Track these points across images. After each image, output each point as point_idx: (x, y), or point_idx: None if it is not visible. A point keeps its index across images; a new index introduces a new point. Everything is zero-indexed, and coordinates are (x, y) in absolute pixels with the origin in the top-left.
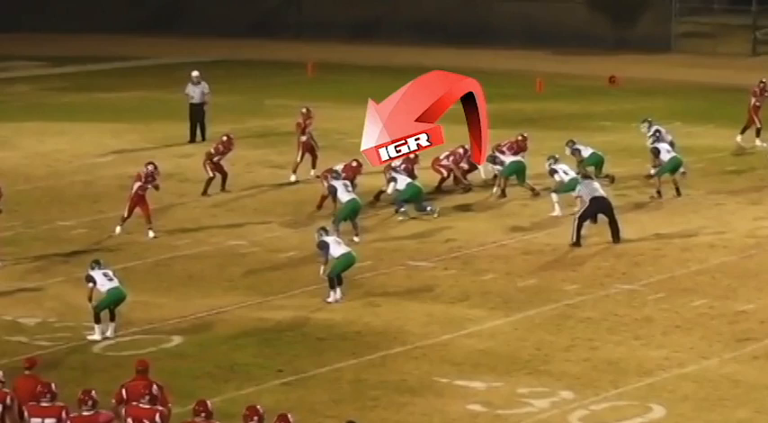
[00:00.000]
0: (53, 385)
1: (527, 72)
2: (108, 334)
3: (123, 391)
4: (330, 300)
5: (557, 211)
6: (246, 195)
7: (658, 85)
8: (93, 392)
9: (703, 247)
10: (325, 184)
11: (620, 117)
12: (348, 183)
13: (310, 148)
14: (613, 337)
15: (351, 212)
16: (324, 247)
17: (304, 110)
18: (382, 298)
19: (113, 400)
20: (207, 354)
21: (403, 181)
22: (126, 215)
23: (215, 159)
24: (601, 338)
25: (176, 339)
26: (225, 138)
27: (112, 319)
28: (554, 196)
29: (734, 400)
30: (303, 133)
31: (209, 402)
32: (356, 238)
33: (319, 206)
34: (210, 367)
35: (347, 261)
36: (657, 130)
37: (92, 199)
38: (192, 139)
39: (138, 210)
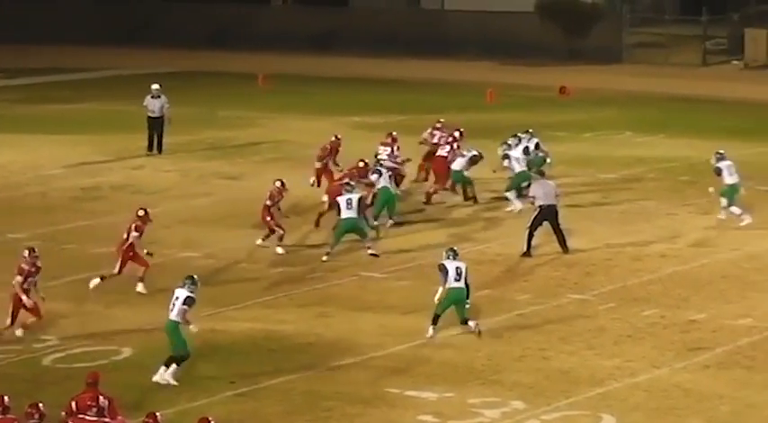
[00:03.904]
0: (6, 398)
1: (478, 83)
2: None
3: (73, 404)
4: (429, 335)
5: (515, 206)
6: (199, 207)
7: (610, 96)
8: (41, 405)
9: (655, 256)
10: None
11: (572, 127)
12: (350, 199)
13: (329, 173)
14: (565, 346)
15: (345, 231)
16: (443, 270)
17: (333, 138)
18: (335, 309)
19: (63, 413)
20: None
21: (384, 181)
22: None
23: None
24: (553, 348)
25: (127, 351)
26: (279, 184)
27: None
28: (509, 194)
29: (685, 409)
30: (324, 159)
31: (158, 414)
32: (326, 256)
33: (322, 216)
34: None
35: (456, 297)
36: (526, 145)
37: (45, 211)
38: (150, 149)
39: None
